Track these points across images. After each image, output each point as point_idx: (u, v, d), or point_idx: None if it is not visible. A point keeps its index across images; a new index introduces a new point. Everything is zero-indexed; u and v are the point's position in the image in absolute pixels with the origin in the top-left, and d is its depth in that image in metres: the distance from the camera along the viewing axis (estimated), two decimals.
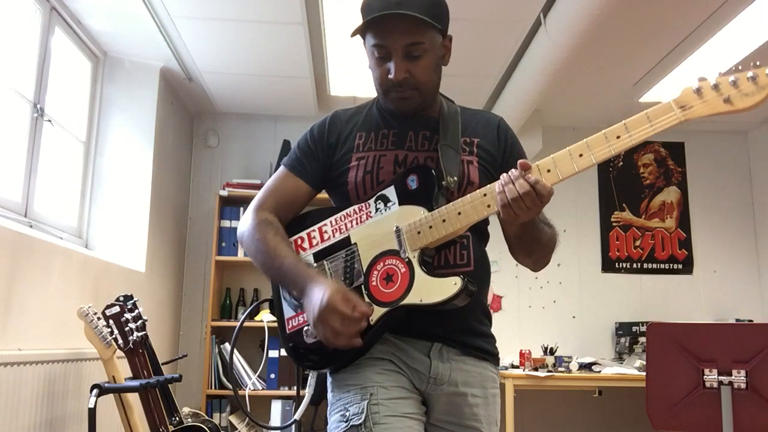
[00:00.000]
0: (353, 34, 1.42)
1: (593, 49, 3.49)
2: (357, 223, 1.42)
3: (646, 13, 3.18)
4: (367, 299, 1.35)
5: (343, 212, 1.44)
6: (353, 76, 3.83)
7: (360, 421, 1.32)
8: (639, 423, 4.38)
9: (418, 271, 1.33)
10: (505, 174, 1.27)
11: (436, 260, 1.40)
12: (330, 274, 1.41)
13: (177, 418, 2.72)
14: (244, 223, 1.50)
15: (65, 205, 3.31)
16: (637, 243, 4.71)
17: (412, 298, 1.32)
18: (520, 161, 1.28)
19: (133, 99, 3.69)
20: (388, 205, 1.40)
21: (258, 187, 4.28)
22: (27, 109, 2.84)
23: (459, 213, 1.33)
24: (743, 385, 2.24)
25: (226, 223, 4.22)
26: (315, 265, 1.44)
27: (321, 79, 3.99)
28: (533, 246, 1.48)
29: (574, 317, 4.60)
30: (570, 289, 4.63)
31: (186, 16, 3.24)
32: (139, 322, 2.60)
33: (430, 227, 1.34)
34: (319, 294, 1.28)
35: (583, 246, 4.68)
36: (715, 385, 2.27)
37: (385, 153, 1.45)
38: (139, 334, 2.58)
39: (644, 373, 2.49)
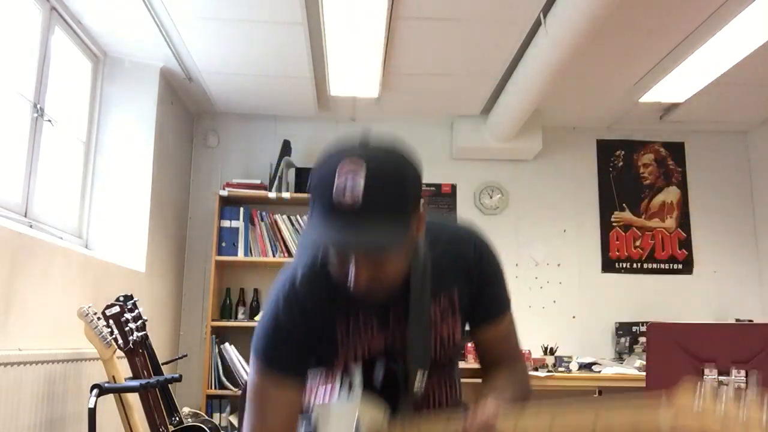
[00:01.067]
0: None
1: (593, 49, 3.48)
2: (322, 395, 1.33)
3: (647, 12, 3.18)
4: None
5: (317, 375, 1.34)
6: (353, 76, 3.83)
7: None
8: None
9: None
10: (472, 412, 1.14)
11: (428, 402, 1.32)
12: None
13: (177, 418, 2.73)
14: None
15: (65, 205, 3.31)
16: (637, 243, 4.71)
17: None
18: (489, 404, 1.15)
19: (133, 99, 3.69)
20: (352, 390, 1.28)
21: (258, 187, 4.31)
22: (27, 109, 2.84)
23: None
24: (743, 385, 2.24)
25: (226, 223, 4.22)
26: None
27: (321, 79, 3.99)
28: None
29: (574, 317, 4.60)
30: (570, 289, 4.63)
31: (186, 16, 3.24)
32: (139, 322, 2.60)
33: None
34: None
35: (583, 246, 4.68)
36: (715, 385, 2.27)
37: (372, 338, 1.30)
38: (139, 334, 2.58)
39: (644, 373, 2.49)
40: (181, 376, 2.79)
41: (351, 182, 1.07)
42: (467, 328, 1.39)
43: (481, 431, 1.12)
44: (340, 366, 1.30)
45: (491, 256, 1.36)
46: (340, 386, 1.30)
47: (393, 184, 1.10)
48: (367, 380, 1.28)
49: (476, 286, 1.33)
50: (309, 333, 1.26)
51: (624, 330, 4.41)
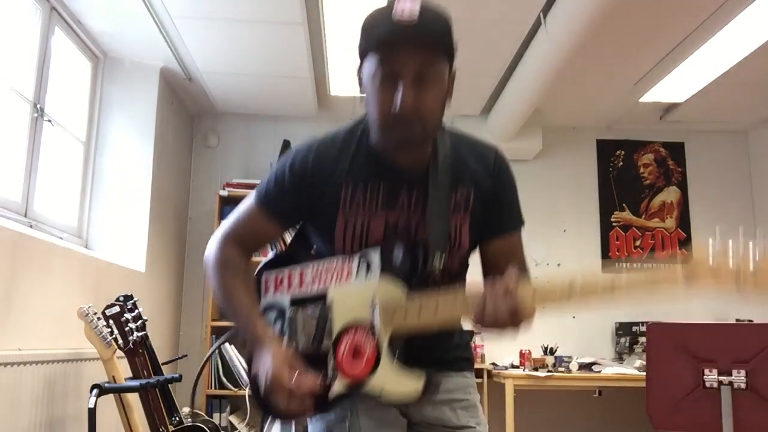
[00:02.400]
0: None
1: (593, 49, 3.48)
2: (337, 280, 1.35)
3: (647, 12, 3.18)
4: (331, 370, 1.29)
5: (326, 263, 1.36)
6: (353, 76, 3.83)
7: None
8: (639, 423, 4.38)
9: (384, 358, 1.27)
10: (490, 287, 1.19)
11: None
12: (299, 329, 1.34)
13: (177, 418, 2.72)
14: (209, 252, 1.43)
15: (65, 205, 3.31)
16: (637, 243, 4.71)
17: (373, 386, 1.26)
18: (507, 277, 1.19)
19: (133, 99, 3.69)
20: (371, 270, 1.32)
21: None
22: (27, 109, 2.84)
23: (438, 307, 1.27)
24: (743, 385, 2.24)
25: None
26: (289, 309, 1.36)
27: (321, 79, 3.99)
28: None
29: (574, 317, 4.60)
30: None
31: (186, 16, 3.24)
32: (139, 322, 2.60)
33: (406, 312, 1.28)
34: (266, 363, 1.24)
35: (583, 246, 4.68)
36: (715, 385, 2.27)
37: (375, 215, 1.34)
38: (139, 334, 2.58)
39: (644, 373, 2.49)
40: (181, 376, 2.79)
41: (409, 4, 1.19)
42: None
43: (502, 297, 1.16)
44: (341, 241, 1.34)
45: (509, 171, 1.44)
46: (357, 268, 1.33)
47: (444, 19, 1.25)
48: (385, 262, 1.31)
49: (491, 194, 1.39)
50: (313, 187, 1.34)
51: (624, 330, 4.41)
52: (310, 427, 1.40)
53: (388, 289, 1.30)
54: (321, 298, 1.35)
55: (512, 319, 1.17)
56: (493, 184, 1.40)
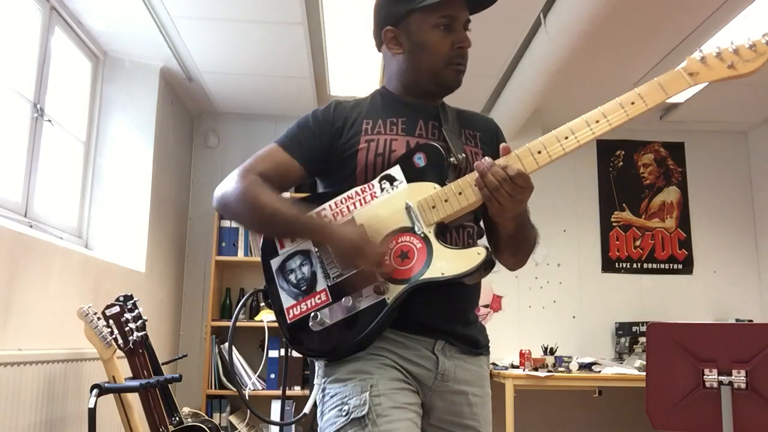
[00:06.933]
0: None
1: (593, 49, 3.48)
2: (360, 205, 1.36)
3: (646, 12, 3.18)
4: (380, 279, 1.29)
5: (343, 195, 1.38)
6: (353, 76, 3.83)
7: (363, 413, 1.26)
8: (639, 423, 4.38)
9: (437, 245, 1.29)
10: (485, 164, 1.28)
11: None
12: (332, 260, 1.35)
13: (177, 418, 2.73)
14: (228, 184, 1.42)
15: (65, 205, 3.31)
16: (637, 243, 4.71)
17: (432, 272, 1.27)
18: (502, 145, 1.34)
19: (133, 99, 3.69)
20: (395, 184, 1.35)
21: None
22: (27, 109, 2.84)
23: (476, 185, 1.30)
24: (743, 385, 2.24)
25: (226, 223, 4.22)
26: (316, 250, 1.36)
27: (321, 79, 3.99)
28: (522, 245, 1.46)
29: (574, 317, 4.60)
30: (570, 289, 4.63)
31: (186, 16, 3.24)
32: (139, 322, 2.60)
33: (446, 201, 1.31)
34: (348, 231, 1.30)
35: (583, 246, 4.68)
36: (715, 385, 2.27)
37: (396, 138, 1.42)
38: (139, 334, 2.58)
39: (644, 373, 2.49)
40: (181, 376, 2.79)
41: None
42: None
43: (496, 168, 1.27)
44: (363, 161, 1.40)
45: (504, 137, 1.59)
46: (380, 188, 1.37)
47: None
48: (408, 170, 1.37)
49: (495, 148, 1.46)
50: (334, 124, 1.44)
51: (624, 330, 4.41)
52: (323, 405, 1.37)
53: (419, 189, 1.34)
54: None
55: (512, 188, 1.27)
56: (495, 142, 1.52)
